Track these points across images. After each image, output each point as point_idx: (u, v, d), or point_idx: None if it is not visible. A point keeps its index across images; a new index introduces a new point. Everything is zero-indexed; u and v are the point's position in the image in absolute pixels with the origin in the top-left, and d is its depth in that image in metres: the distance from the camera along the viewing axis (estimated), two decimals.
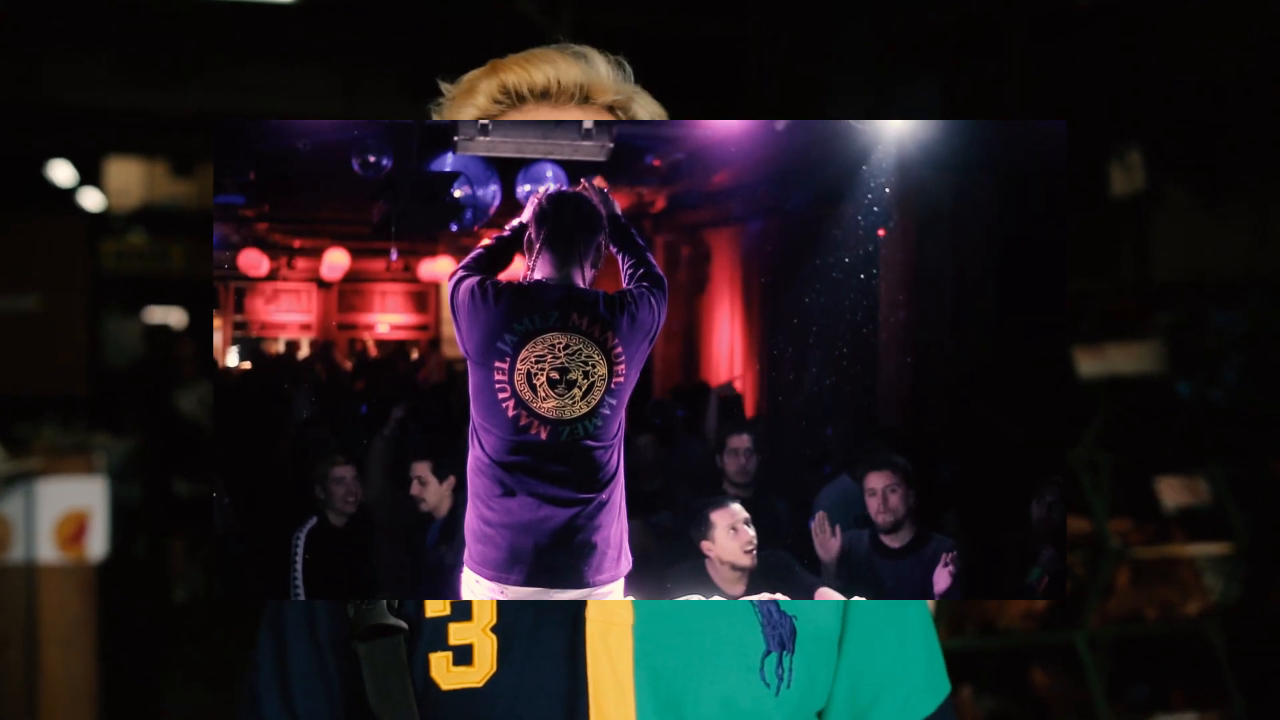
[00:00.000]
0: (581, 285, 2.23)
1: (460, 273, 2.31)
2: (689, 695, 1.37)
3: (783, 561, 3.09)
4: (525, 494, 2.14)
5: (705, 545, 3.00)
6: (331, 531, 3.76)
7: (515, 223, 2.48)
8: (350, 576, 3.65)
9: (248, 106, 11.16)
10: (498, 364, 2.15)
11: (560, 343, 2.15)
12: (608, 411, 2.16)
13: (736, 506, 3.01)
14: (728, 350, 7.32)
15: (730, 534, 2.97)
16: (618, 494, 2.22)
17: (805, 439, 4.59)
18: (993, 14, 7.77)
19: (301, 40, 10.89)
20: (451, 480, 3.61)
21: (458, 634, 1.38)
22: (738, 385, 6.46)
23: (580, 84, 1.56)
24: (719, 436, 4.31)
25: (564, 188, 2.42)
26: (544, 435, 2.14)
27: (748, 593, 2.96)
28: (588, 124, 3.66)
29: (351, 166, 5.21)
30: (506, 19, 8.37)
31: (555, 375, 2.13)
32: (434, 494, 3.67)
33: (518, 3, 8.53)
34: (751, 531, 2.97)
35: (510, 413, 2.14)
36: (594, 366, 2.15)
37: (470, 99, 1.61)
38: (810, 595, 2.80)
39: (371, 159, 5.09)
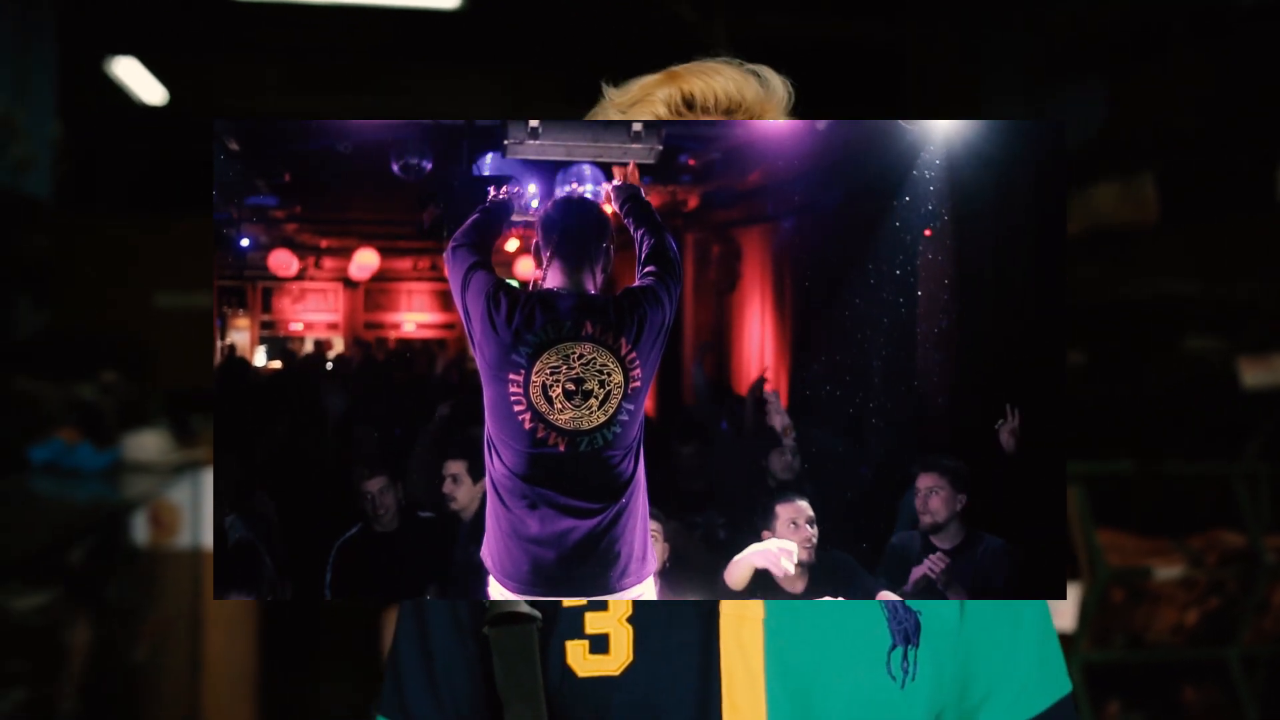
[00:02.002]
0: (592, 291, 2.22)
1: (461, 249, 2.30)
2: (818, 687, 1.40)
3: (844, 562, 3.11)
4: (546, 506, 2.14)
5: (766, 535, 3.06)
6: (372, 539, 3.75)
7: (498, 194, 2.50)
8: (379, 584, 3.63)
9: (411, 111, 11.40)
10: (512, 376, 2.13)
11: (574, 353, 2.13)
12: (625, 418, 2.15)
13: (803, 503, 3.06)
14: (759, 348, 7.34)
15: (791, 528, 3.03)
16: (639, 497, 2.21)
17: (847, 436, 4.59)
18: (1155, 13, 7.62)
19: (465, 46, 11.02)
20: (485, 482, 3.59)
21: (594, 623, 1.42)
22: (769, 383, 6.47)
23: (758, 102, 1.53)
24: (764, 433, 4.33)
25: (571, 194, 2.42)
26: (562, 447, 2.13)
27: (808, 592, 2.99)
28: (637, 126, 3.68)
29: (391, 168, 5.24)
30: (664, 23, 8.38)
31: (571, 386, 2.12)
32: (465, 494, 3.64)
33: (675, 8, 8.56)
34: (812, 530, 3.01)
35: (527, 426, 2.13)
36: (609, 375, 2.13)
37: (648, 106, 1.57)
38: (872, 597, 2.81)
39: (412, 161, 5.11)
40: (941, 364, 4.80)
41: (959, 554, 3.27)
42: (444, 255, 2.38)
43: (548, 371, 2.10)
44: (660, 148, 3.91)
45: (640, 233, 2.39)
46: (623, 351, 2.13)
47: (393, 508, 3.72)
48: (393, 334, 12.13)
